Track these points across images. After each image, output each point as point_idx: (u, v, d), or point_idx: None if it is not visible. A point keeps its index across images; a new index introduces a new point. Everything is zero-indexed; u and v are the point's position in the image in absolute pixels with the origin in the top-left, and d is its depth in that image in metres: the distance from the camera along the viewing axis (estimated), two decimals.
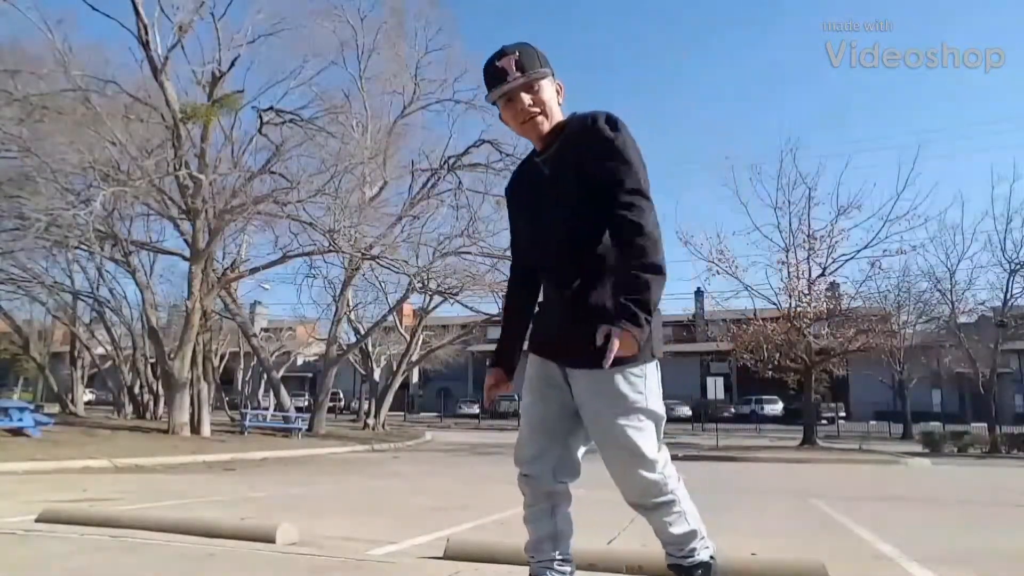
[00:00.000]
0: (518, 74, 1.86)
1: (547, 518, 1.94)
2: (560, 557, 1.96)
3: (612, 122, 1.83)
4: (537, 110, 1.89)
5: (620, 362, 1.71)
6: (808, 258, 19.22)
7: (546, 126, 1.91)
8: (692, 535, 1.86)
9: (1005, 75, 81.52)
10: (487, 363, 2.10)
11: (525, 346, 2.08)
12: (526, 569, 2.01)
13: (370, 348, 28.98)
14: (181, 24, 15.54)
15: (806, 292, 19.01)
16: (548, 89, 1.92)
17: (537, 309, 2.04)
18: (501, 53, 1.89)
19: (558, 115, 1.94)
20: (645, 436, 1.79)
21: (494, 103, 1.95)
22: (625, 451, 1.78)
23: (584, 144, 1.82)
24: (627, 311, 1.66)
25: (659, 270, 1.70)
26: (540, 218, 1.93)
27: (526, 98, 1.88)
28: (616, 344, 1.65)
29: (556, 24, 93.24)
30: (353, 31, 20.41)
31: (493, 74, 1.88)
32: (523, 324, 2.07)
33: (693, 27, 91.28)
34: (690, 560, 1.87)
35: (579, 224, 1.83)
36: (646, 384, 1.82)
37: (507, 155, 19.03)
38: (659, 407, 1.85)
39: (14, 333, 24.71)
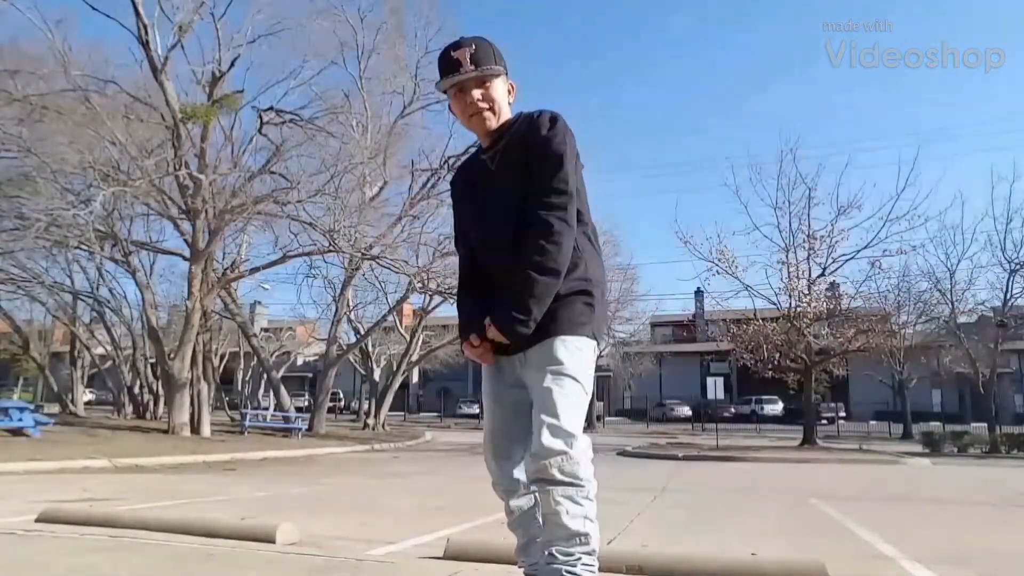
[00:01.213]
0: (471, 67, 1.87)
1: (532, 520, 1.91)
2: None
3: (552, 121, 1.86)
4: (485, 105, 1.90)
5: (561, 331, 1.78)
6: (808, 258, 19.21)
7: (493, 123, 1.92)
8: (583, 539, 1.66)
9: (1005, 75, 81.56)
10: (460, 333, 2.01)
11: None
12: None
13: (370, 348, 28.97)
14: (181, 24, 15.54)
15: (806, 292, 18.99)
16: (499, 87, 1.93)
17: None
18: (457, 44, 1.91)
19: (507, 113, 1.95)
20: (568, 403, 1.73)
21: (444, 92, 1.96)
22: (546, 413, 1.71)
23: (526, 143, 1.85)
24: (505, 312, 1.75)
25: (555, 274, 1.76)
26: (484, 215, 1.94)
27: (476, 92, 1.89)
28: (490, 341, 1.79)
29: (556, 24, 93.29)
30: (353, 31, 20.41)
31: (447, 63, 1.90)
32: (484, 293, 1.99)
33: (692, 25, 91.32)
34: (567, 570, 1.65)
35: (519, 221, 1.84)
36: (582, 356, 1.81)
37: None
38: (587, 383, 1.81)
39: (14, 333, 24.71)
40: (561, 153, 1.81)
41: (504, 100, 1.94)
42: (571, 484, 1.66)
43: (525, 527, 1.93)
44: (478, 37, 1.93)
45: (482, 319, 1.86)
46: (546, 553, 1.70)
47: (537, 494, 1.73)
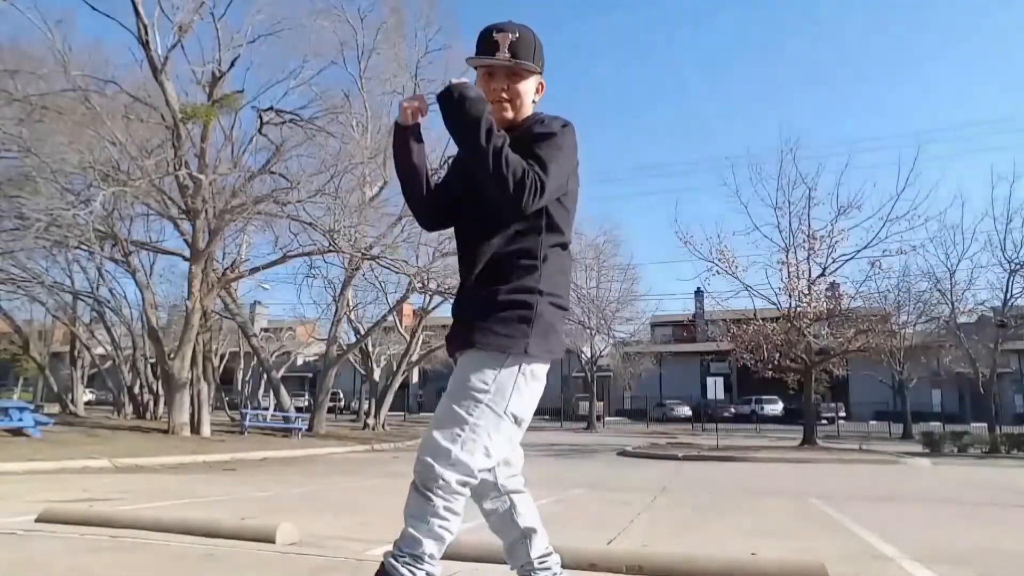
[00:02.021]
0: (507, 56, 1.83)
1: (510, 523, 1.89)
2: (538, 556, 1.91)
3: (563, 125, 1.83)
4: (507, 97, 1.87)
5: (483, 344, 1.72)
6: (808, 258, 19.20)
7: (510, 115, 1.88)
8: (415, 543, 1.66)
9: (1005, 75, 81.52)
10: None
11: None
12: None
13: (370, 348, 28.97)
14: (181, 24, 15.55)
15: (806, 292, 18.98)
16: (529, 84, 1.90)
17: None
18: (501, 28, 1.87)
19: (527, 111, 1.92)
20: (454, 421, 1.67)
21: (474, 68, 1.92)
22: (434, 424, 1.68)
23: (529, 137, 1.80)
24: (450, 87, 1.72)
25: (492, 144, 1.68)
26: (472, 204, 1.89)
27: (504, 81, 1.86)
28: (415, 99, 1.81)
29: (555, 23, 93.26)
30: (353, 31, 20.41)
31: (485, 43, 1.86)
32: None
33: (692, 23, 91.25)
34: (392, 563, 1.67)
35: (502, 225, 1.80)
36: (496, 377, 1.71)
37: None
38: (499, 408, 1.71)
39: (14, 333, 24.72)
40: (561, 153, 1.77)
41: (529, 97, 1.91)
42: (425, 497, 1.65)
43: (502, 530, 1.92)
44: (525, 27, 1.90)
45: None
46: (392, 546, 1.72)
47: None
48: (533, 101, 1.93)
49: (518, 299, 1.76)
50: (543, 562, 1.91)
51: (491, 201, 1.76)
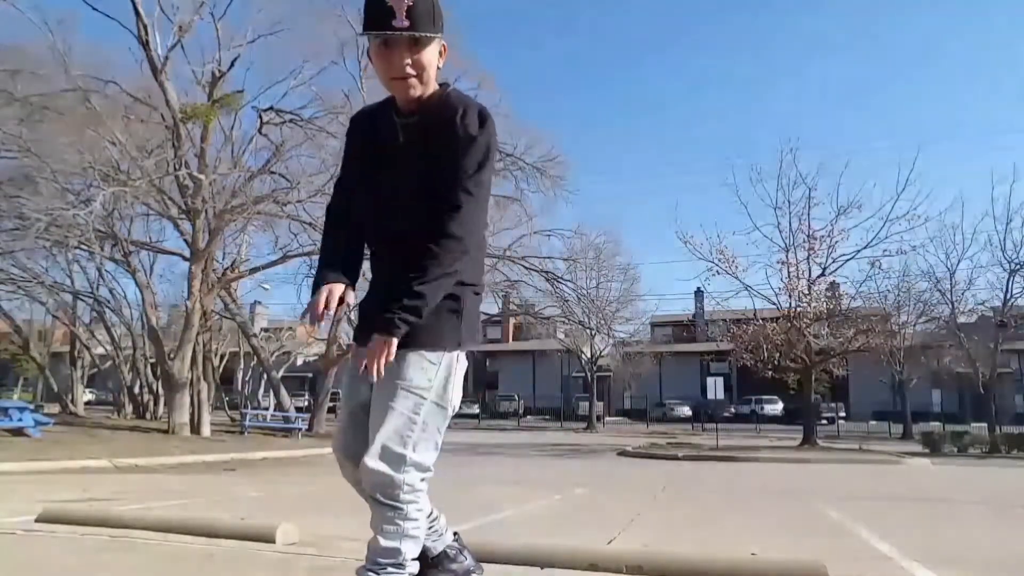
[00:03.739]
0: (407, 23, 1.60)
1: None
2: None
3: (482, 119, 1.69)
4: (413, 72, 1.66)
5: (419, 343, 1.65)
6: (808, 258, 19.20)
7: (417, 92, 1.70)
8: (394, 553, 1.65)
9: (1005, 74, 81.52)
10: (313, 288, 1.77)
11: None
12: (526, 569, 2.00)
13: None
14: (181, 24, 15.55)
15: (806, 292, 18.98)
16: (432, 52, 1.68)
17: (363, 298, 1.89)
18: None
19: (433, 82, 1.73)
20: (403, 426, 1.63)
21: (368, 40, 1.71)
22: (378, 432, 1.63)
23: (447, 133, 1.67)
24: (390, 319, 1.58)
25: (450, 275, 1.64)
26: (379, 184, 1.79)
27: (406, 55, 1.64)
28: (376, 353, 1.58)
29: (555, 22, 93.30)
30: (353, 31, 20.36)
31: (377, 8, 1.61)
32: (343, 251, 1.87)
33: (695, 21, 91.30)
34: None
35: (415, 208, 1.70)
36: (437, 373, 1.68)
37: (507, 155, 19.03)
38: (443, 401, 1.70)
39: (14, 333, 24.72)
40: (486, 155, 1.68)
41: (434, 67, 1.70)
42: (391, 507, 1.64)
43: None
44: None
45: (340, 282, 1.74)
46: (364, 564, 1.69)
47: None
48: (438, 68, 1.73)
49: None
50: (431, 526, 1.92)
51: (406, 194, 1.71)
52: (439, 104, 1.72)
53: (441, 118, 1.69)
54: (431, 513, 1.88)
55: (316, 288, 1.75)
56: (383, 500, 1.64)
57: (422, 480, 1.67)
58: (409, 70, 1.66)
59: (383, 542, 1.66)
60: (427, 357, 1.68)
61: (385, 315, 1.60)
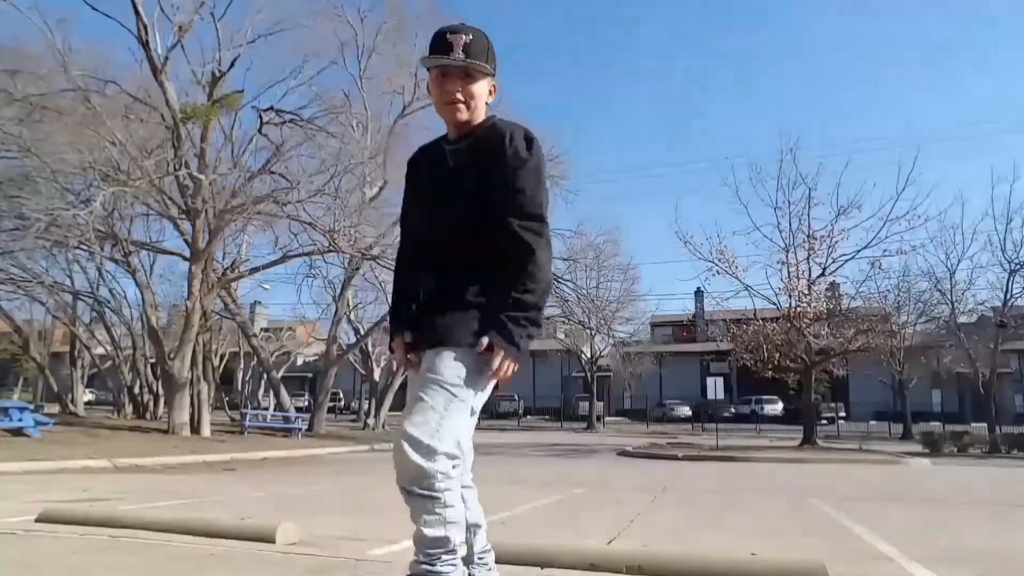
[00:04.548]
0: (462, 55, 1.85)
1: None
2: (479, 550, 1.97)
3: (528, 141, 1.86)
4: (462, 99, 1.89)
5: (454, 341, 1.77)
6: (808, 258, 19.19)
7: (464, 116, 1.91)
8: (443, 542, 1.72)
9: (1005, 74, 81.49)
10: (392, 333, 2.01)
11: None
12: (526, 569, 2.01)
13: (370, 348, 28.98)
14: (181, 24, 15.55)
15: (806, 292, 18.98)
16: (482, 86, 1.92)
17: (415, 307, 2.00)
18: (455, 29, 1.89)
19: (481, 113, 1.94)
20: (433, 416, 1.71)
21: (428, 69, 1.95)
22: (411, 424, 1.71)
23: (496, 155, 1.84)
24: (508, 333, 1.74)
25: (539, 303, 1.79)
26: (433, 208, 1.95)
27: (458, 83, 1.88)
28: (499, 360, 1.74)
29: (554, 22, 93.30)
30: (353, 31, 20.42)
31: (439, 43, 1.88)
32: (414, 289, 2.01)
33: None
34: (427, 568, 1.72)
35: (467, 226, 1.85)
36: (467, 369, 1.78)
37: None
38: (471, 398, 1.79)
39: (14, 333, 24.72)
40: (538, 178, 1.84)
41: (483, 100, 1.93)
42: (429, 497, 1.69)
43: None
44: (478, 29, 1.92)
45: (409, 313, 1.95)
46: (414, 557, 1.76)
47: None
48: (487, 103, 1.95)
49: (477, 301, 1.83)
50: (482, 557, 1.98)
51: (457, 214, 1.86)
52: (487, 130, 1.92)
53: (489, 142, 1.87)
54: (484, 547, 1.99)
55: (394, 320, 2.02)
56: (421, 492, 1.69)
57: (452, 466, 1.72)
58: (459, 96, 1.88)
59: (429, 532, 1.71)
60: (463, 353, 1.78)
61: (505, 328, 1.75)
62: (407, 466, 1.68)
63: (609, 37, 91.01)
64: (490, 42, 1.93)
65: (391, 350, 2.00)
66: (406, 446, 1.68)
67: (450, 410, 1.73)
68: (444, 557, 1.72)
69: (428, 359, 1.81)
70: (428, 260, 1.93)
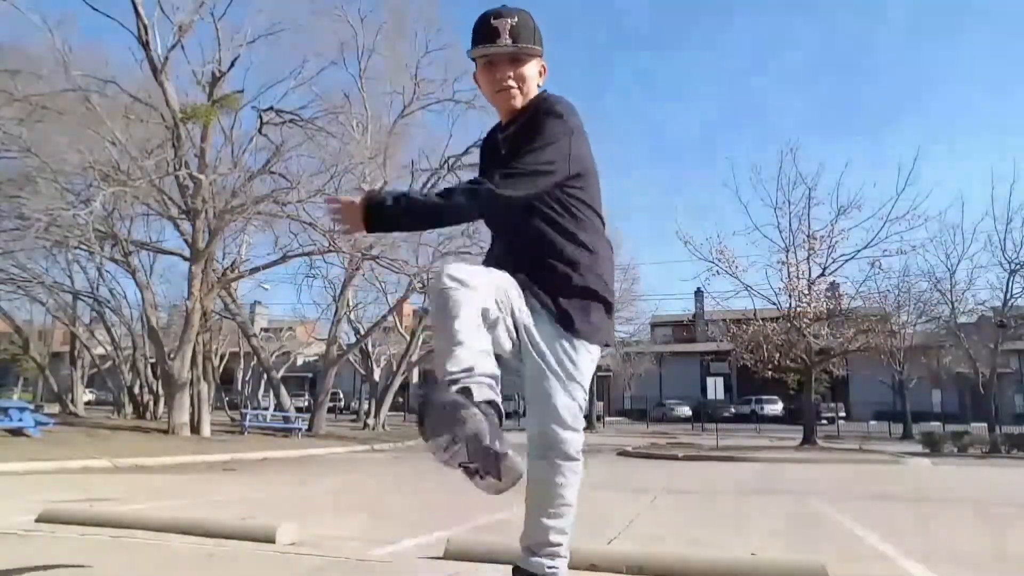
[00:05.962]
0: (509, 40, 1.77)
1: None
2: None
3: (564, 106, 1.80)
4: (515, 84, 1.82)
5: (588, 337, 1.82)
6: (808, 258, 19.21)
7: (519, 102, 1.84)
8: (561, 533, 1.78)
9: (1005, 74, 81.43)
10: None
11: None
12: None
13: (370, 348, 28.97)
14: (181, 24, 15.54)
15: (806, 292, 18.99)
16: (532, 67, 1.84)
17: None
18: (499, 13, 1.80)
19: (533, 94, 1.87)
20: (578, 407, 1.83)
21: (473, 59, 1.86)
22: (560, 425, 1.78)
23: (533, 120, 1.79)
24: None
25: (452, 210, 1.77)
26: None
27: (508, 70, 1.80)
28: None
29: (554, 22, 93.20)
30: (353, 31, 20.39)
31: (484, 31, 1.79)
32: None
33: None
34: (542, 561, 1.76)
35: (529, 211, 1.82)
36: (592, 364, 1.87)
37: None
38: (585, 383, 1.87)
39: (14, 333, 24.72)
40: (558, 138, 1.75)
41: (534, 81, 1.85)
42: (570, 472, 1.81)
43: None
44: (522, 9, 1.83)
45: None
46: (523, 548, 1.86)
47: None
48: (538, 84, 1.88)
49: (602, 291, 1.87)
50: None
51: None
52: (532, 107, 1.85)
53: (530, 119, 1.82)
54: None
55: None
56: (565, 464, 1.78)
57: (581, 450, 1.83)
58: (510, 82, 1.81)
59: (553, 514, 1.79)
60: (594, 351, 1.87)
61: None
62: (557, 439, 1.76)
63: (613, 33, 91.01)
64: (535, 22, 1.84)
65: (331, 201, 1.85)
66: (565, 422, 1.78)
67: (580, 401, 1.83)
68: (561, 551, 1.81)
69: (564, 347, 1.79)
70: (509, 249, 1.91)
